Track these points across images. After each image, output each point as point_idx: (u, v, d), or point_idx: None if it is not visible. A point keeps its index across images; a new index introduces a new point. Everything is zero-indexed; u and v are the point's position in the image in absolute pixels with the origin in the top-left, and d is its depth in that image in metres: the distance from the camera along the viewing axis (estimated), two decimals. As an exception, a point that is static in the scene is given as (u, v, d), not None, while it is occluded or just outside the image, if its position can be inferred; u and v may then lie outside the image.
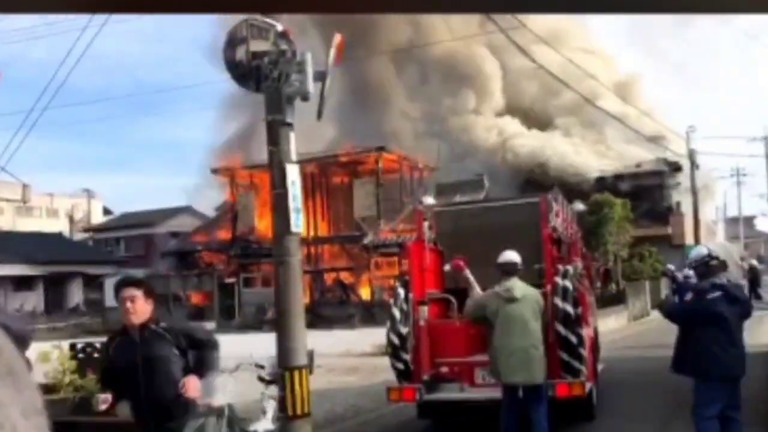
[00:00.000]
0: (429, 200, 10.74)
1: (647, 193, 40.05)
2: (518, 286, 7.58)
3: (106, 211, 57.20)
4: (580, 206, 12.57)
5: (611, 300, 25.06)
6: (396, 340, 8.84)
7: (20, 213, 49.19)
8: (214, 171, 38.24)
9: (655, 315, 28.32)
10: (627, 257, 30.74)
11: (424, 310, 8.90)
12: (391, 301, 9.25)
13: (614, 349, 15.68)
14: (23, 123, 9.29)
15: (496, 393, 8.08)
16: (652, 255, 32.67)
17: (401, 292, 9.01)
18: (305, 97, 7.47)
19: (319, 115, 7.97)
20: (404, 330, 8.79)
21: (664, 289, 31.29)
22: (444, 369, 8.90)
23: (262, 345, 11.93)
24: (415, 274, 9.12)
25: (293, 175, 7.84)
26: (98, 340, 8.58)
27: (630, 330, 23.25)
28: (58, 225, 49.74)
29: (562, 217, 10.07)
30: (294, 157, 7.87)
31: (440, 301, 9.47)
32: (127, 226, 46.75)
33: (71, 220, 50.76)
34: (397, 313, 8.87)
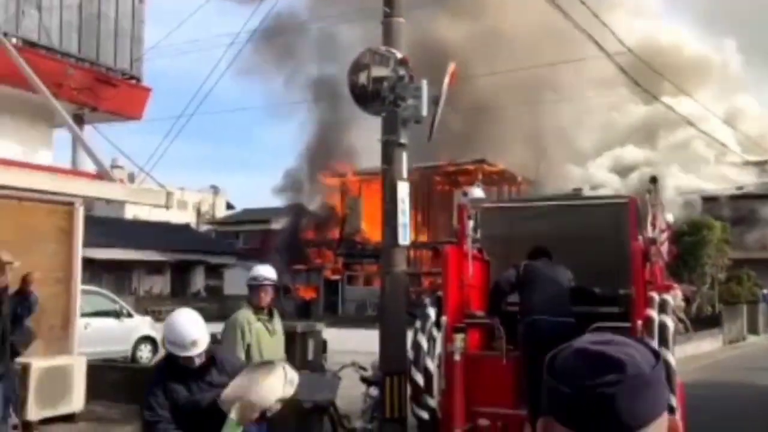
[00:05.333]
0: (477, 192, 7.84)
1: (747, 216, 37.90)
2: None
3: (229, 206, 59.42)
4: (669, 217, 9.04)
5: (707, 322, 23.78)
6: (420, 379, 6.40)
7: (154, 204, 51.76)
8: (327, 175, 39.17)
9: (752, 339, 26.74)
10: (724, 280, 29.14)
11: (461, 340, 6.35)
12: (417, 324, 6.61)
13: (708, 373, 14.88)
14: (171, 129, 9.76)
15: None
16: (750, 278, 30.85)
17: (431, 312, 6.56)
18: (418, 120, 7.51)
19: (430, 137, 7.98)
20: (432, 365, 6.43)
21: (762, 313, 29.51)
22: (484, 422, 6.40)
23: (364, 340, 12.06)
24: (451, 290, 6.54)
25: (403, 192, 7.89)
26: (218, 331, 8.91)
27: (724, 354, 22.00)
28: (187, 216, 52.11)
29: (659, 226, 7.22)
30: (405, 175, 7.91)
31: (483, 326, 6.79)
32: (246, 221, 48.43)
33: (198, 212, 53.13)
34: (423, 342, 6.46)
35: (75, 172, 7.58)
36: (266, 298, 5.52)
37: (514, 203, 9.53)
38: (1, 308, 6.13)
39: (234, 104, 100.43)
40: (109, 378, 9.24)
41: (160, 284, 41.04)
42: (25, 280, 6.46)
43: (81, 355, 8.75)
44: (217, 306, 33.90)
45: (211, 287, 41.77)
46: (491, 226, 7.29)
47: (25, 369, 7.67)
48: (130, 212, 45.16)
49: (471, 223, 6.87)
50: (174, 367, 3.74)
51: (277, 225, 44.85)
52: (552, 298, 6.35)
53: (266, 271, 5.61)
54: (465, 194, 7.71)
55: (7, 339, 6.24)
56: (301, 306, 33.08)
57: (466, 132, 35.58)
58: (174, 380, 3.73)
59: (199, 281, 43.56)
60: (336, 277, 36.43)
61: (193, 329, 3.69)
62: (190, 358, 3.67)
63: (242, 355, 5.33)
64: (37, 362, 7.84)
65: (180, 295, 40.08)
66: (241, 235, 48.40)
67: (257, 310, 5.51)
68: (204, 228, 51.74)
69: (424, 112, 7.33)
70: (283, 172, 47.80)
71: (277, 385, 3.78)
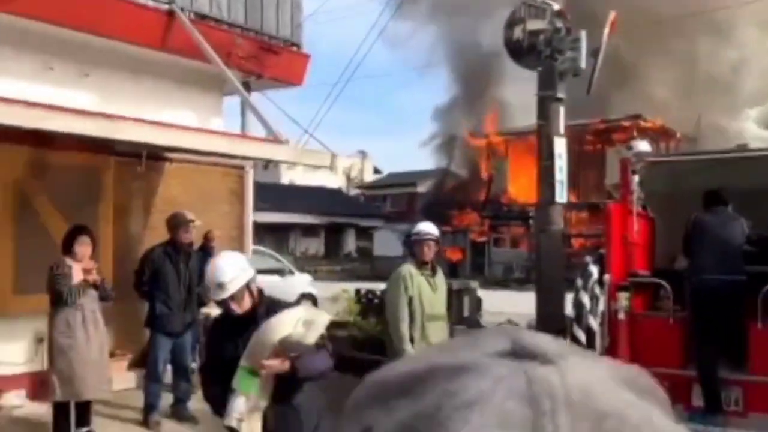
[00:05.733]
0: (643, 146, 7.47)
1: None
2: None
3: (376, 171, 60.66)
4: None
5: None
6: (582, 337, 6.51)
7: (307, 169, 53.95)
8: (471, 135, 38.81)
9: None
10: None
11: (625, 299, 6.36)
12: (578, 282, 6.69)
13: None
14: (329, 94, 10.15)
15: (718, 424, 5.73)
16: None
17: (593, 270, 6.58)
18: (577, 73, 7.23)
19: (589, 90, 7.67)
20: (595, 324, 6.50)
21: None
22: None
23: (512, 301, 12.02)
24: (615, 248, 6.50)
25: (560, 147, 7.68)
26: (379, 288, 9.24)
27: None
28: (337, 181, 53.85)
29: None
30: (562, 130, 7.68)
31: (647, 286, 6.67)
32: (393, 184, 49.24)
33: (348, 177, 54.74)
34: (585, 300, 6.53)
35: (245, 136, 8.06)
36: (429, 253, 5.61)
37: (681, 156, 9.08)
38: (188, 262, 6.71)
39: (380, 69, 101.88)
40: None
41: (315, 245, 42.93)
42: (207, 237, 7.02)
43: (252, 308, 9.38)
44: (368, 266, 35.07)
45: (361, 248, 43.08)
46: (656, 181, 6.98)
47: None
48: (286, 178, 47.39)
49: (636, 179, 6.63)
50: (225, 319, 3.61)
51: (422, 188, 45.22)
52: (722, 255, 6.02)
53: (429, 227, 5.71)
54: (629, 148, 7.31)
55: (193, 290, 6.83)
56: (449, 267, 33.35)
57: (629, 65, 33.50)
58: (223, 331, 3.59)
59: (350, 243, 45.11)
60: (482, 239, 36.24)
61: (221, 272, 3.42)
62: (227, 304, 3.47)
63: (405, 308, 5.48)
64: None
65: (333, 255, 41.74)
66: (388, 199, 49.35)
67: (420, 265, 5.62)
68: (353, 192, 53.26)
69: (583, 64, 7.06)
70: (432, 111, 47.95)
71: (285, 321, 3.38)
